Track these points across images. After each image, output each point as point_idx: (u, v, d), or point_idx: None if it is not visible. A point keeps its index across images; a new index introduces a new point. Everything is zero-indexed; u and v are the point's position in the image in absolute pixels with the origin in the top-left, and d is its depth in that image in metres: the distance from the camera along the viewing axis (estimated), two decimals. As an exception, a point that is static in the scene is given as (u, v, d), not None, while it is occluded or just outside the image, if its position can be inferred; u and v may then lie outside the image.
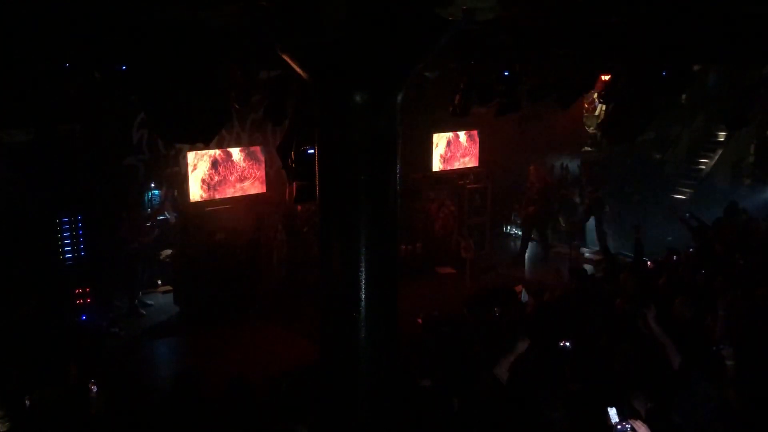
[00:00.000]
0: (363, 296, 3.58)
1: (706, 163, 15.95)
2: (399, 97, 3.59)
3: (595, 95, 12.85)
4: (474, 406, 4.65)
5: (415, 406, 4.59)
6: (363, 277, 3.57)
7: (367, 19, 3.25)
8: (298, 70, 3.58)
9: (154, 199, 9.98)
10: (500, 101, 8.80)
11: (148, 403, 5.04)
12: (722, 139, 15.85)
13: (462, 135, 12.42)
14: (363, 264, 3.55)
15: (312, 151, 5.03)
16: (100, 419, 4.71)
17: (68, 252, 8.78)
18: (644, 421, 3.98)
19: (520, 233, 13.18)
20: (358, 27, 3.26)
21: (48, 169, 8.56)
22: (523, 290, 7.59)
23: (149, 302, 9.89)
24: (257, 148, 10.42)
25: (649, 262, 8.87)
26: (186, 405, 4.76)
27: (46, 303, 8.21)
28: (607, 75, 9.27)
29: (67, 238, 8.79)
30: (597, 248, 12.05)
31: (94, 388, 4.81)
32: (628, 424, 3.93)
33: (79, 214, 8.79)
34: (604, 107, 11.92)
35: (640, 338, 5.53)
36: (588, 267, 11.02)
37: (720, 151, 15.83)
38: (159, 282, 10.33)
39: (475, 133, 12.52)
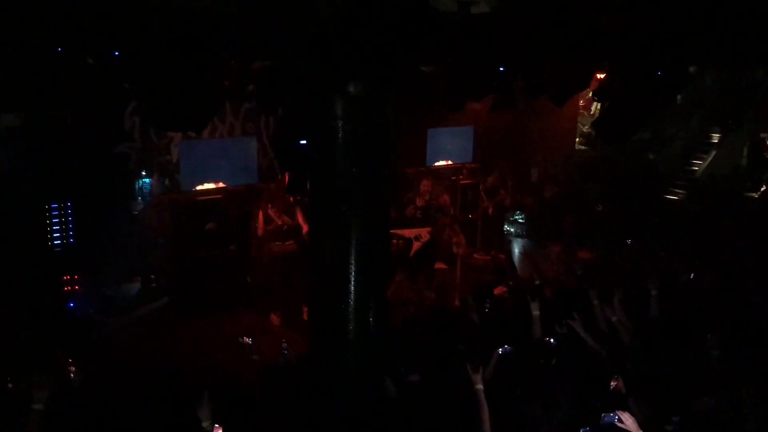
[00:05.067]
0: (353, 288, 3.57)
1: (700, 164, 16.03)
2: (393, 90, 3.57)
3: (591, 93, 12.84)
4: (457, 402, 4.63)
5: (403, 401, 4.58)
6: (353, 269, 3.55)
7: (362, 9, 3.22)
8: (293, 60, 3.55)
9: (146, 188, 9.91)
10: (495, 97, 8.76)
11: (130, 389, 5.03)
12: (716, 141, 15.93)
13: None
14: (353, 256, 3.54)
15: (305, 142, 5.00)
16: (80, 401, 4.69)
17: (57, 239, 8.72)
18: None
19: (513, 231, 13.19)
20: (354, 18, 3.23)
21: (38, 154, 8.49)
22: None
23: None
24: (249, 138, 10.38)
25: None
26: (168, 393, 4.74)
27: (34, 290, 8.16)
28: (603, 73, 9.25)
29: (56, 224, 8.73)
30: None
31: (73, 369, 4.79)
32: (615, 415, 3.95)
33: (69, 201, 8.72)
34: (598, 106, 11.93)
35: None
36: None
37: (714, 153, 15.91)
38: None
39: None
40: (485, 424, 4.27)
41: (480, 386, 4.44)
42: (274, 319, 9.28)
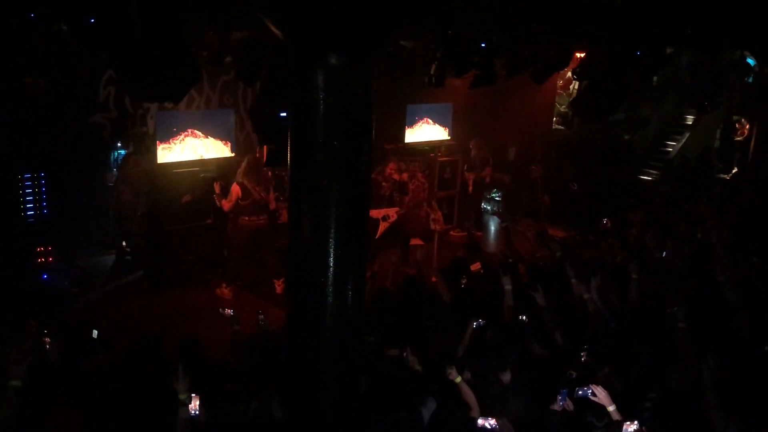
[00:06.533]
0: (332, 262, 3.56)
1: (674, 145, 16.23)
2: (374, 63, 3.54)
3: (569, 73, 12.89)
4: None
5: (381, 375, 4.62)
6: (332, 243, 3.54)
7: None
8: (272, 29, 3.50)
9: (120, 159, 9.78)
10: (476, 73, 8.77)
11: (106, 362, 5.00)
12: (690, 123, 16.13)
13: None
14: (333, 230, 3.53)
15: (284, 114, 4.96)
16: (56, 374, 4.66)
17: (30, 210, 8.58)
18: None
19: (489, 208, 13.28)
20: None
21: (11, 124, 8.32)
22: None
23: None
24: (227, 111, 10.26)
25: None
26: (145, 366, 4.74)
27: (6, 261, 8.04)
28: (583, 53, 9.30)
29: (29, 195, 8.58)
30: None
31: (48, 341, 4.77)
32: (588, 388, 4.03)
33: (42, 172, 8.57)
34: (576, 85, 11.98)
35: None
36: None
37: (687, 134, 16.12)
38: (123, 243, 10.18)
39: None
40: (473, 407, 4.35)
41: (459, 379, 4.50)
42: (225, 292, 9.18)
